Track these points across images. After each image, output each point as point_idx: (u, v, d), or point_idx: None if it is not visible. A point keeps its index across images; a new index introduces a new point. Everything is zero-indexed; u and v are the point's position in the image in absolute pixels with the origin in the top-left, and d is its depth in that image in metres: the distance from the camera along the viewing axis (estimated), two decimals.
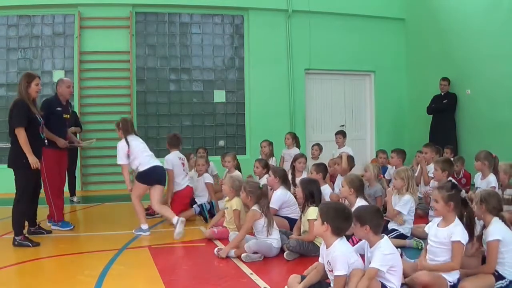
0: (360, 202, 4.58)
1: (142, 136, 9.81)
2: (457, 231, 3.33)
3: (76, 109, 9.26)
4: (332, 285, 3.13)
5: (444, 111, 9.27)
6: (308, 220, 4.58)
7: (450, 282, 3.32)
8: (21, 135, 4.99)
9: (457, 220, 3.42)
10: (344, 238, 3.20)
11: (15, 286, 3.98)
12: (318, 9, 10.48)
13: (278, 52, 10.42)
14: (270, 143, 8.07)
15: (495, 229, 3.45)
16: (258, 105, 10.32)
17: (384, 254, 3.08)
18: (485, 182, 5.80)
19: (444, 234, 3.39)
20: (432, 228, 3.55)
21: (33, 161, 4.98)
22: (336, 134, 8.59)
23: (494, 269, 3.44)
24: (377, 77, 11.21)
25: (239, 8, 10.34)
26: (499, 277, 3.44)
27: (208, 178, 6.76)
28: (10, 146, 5.21)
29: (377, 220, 3.22)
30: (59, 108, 5.98)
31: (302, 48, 10.49)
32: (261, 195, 4.72)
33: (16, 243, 5.01)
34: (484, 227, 3.59)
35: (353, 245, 4.38)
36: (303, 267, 4.15)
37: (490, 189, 3.76)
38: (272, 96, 10.35)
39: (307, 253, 4.47)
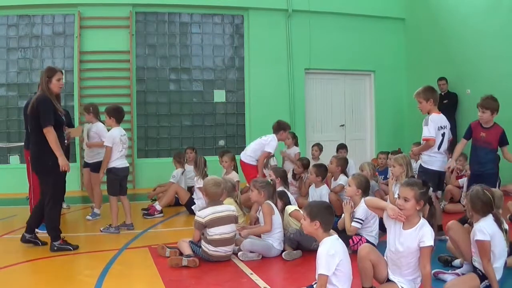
0: (364, 203, 4.59)
1: (142, 136, 9.95)
2: (427, 234, 3.10)
3: (76, 109, 9.28)
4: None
5: (446, 111, 9.26)
6: (290, 214, 4.85)
7: None
8: (51, 134, 4.64)
9: (423, 220, 3.18)
10: (336, 236, 3.16)
11: (15, 286, 3.97)
12: (318, 9, 10.48)
13: (278, 52, 10.42)
14: None
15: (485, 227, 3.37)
16: (258, 105, 10.32)
17: (328, 254, 2.98)
18: None
19: (412, 237, 3.14)
20: (396, 232, 3.23)
21: (63, 162, 4.69)
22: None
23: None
24: (377, 77, 11.21)
25: (239, 8, 10.34)
26: (483, 277, 3.36)
27: (201, 183, 6.69)
28: (30, 147, 4.95)
29: (327, 216, 3.16)
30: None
31: (302, 48, 10.49)
32: (273, 190, 4.79)
33: (55, 248, 4.80)
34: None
35: (353, 245, 4.42)
36: (303, 267, 4.18)
37: (478, 190, 3.58)
38: (272, 96, 10.35)
39: (307, 241, 4.47)
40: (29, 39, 9.52)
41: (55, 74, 4.86)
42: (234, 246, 4.52)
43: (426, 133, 5.00)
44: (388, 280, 3.26)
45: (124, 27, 9.65)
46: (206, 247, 4.34)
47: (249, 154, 6.93)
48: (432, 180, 4.85)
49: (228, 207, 4.57)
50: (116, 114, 5.73)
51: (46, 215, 4.87)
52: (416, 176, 4.96)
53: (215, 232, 4.33)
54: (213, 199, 4.54)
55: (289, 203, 5.21)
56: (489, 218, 3.43)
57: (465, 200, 3.57)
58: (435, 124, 5.03)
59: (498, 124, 4.99)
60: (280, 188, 5.46)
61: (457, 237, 3.74)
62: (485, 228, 3.36)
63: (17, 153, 9.24)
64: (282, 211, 4.92)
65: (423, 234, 3.11)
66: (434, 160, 4.99)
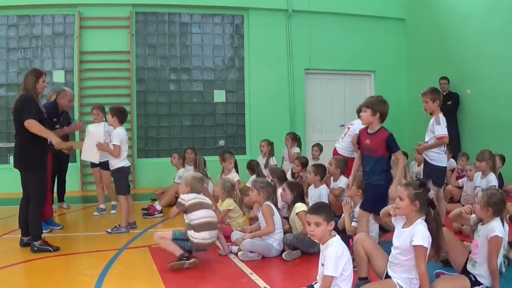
0: None
1: (142, 136, 9.95)
2: (418, 233, 3.10)
3: (76, 109, 9.28)
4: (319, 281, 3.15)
5: (448, 112, 9.28)
6: (297, 214, 4.79)
7: None
8: (34, 124, 4.70)
9: (420, 220, 3.19)
10: (338, 236, 3.18)
11: (15, 286, 3.98)
12: (318, 9, 10.48)
13: (278, 52, 10.43)
14: (269, 143, 8.07)
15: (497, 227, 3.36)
16: (258, 105, 10.32)
17: (337, 256, 3.01)
18: (485, 181, 5.82)
19: (406, 235, 3.18)
20: (397, 229, 3.31)
21: (57, 141, 4.80)
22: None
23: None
24: (377, 77, 11.21)
25: (239, 8, 10.34)
26: (475, 283, 3.31)
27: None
28: (14, 146, 4.97)
29: (334, 216, 3.23)
30: (55, 119, 6.02)
31: (302, 48, 10.49)
32: (272, 191, 4.78)
33: (35, 248, 4.77)
34: (481, 223, 3.50)
35: (352, 245, 4.41)
36: (303, 267, 4.18)
37: (494, 191, 3.54)
38: (272, 96, 10.35)
39: (304, 247, 4.49)
40: (29, 39, 9.52)
41: (42, 75, 4.95)
42: (217, 232, 4.49)
43: (440, 131, 5.08)
44: (387, 276, 3.30)
45: (124, 27, 9.65)
46: (192, 235, 4.30)
47: (345, 147, 6.93)
48: (441, 176, 5.23)
49: (206, 198, 4.63)
50: (119, 115, 5.78)
51: (30, 213, 4.86)
52: (421, 175, 5.04)
53: (197, 216, 4.32)
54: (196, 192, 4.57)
55: (301, 198, 5.08)
56: (499, 219, 3.42)
57: (479, 203, 3.46)
58: (444, 123, 5.13)
59: (386, 129, 4.30)
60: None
61: (448, 245, 3.60)
62: (501, 227, 3.36)
63: None
64: (292, 204, 4.87)
65: (414, 233, 3.13)
66: (442, 158, 5.19)
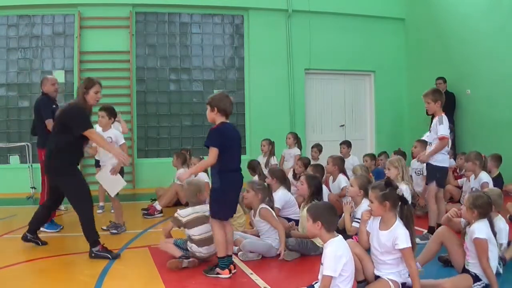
0: (366, 203, 4.59)
1: (142, 136, 9.95)
2: (401, 236, 3.13)
3: None
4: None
5: (444, 112, 9.25)
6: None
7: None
8: (94, 135, 4.62)
9: (398, 222, 3.21)
10: (341, 236, 3.19)
11: (16, 285, 3.97)
12: (318, 9, 10.49)
13: (278, 52, 10.43)
14: (270, 142, 8.08)
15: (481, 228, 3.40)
16: (258, 105, 10.32)
17: (335, 256, 3.01)
18: (477, 181, 5.84)
19: (386, 238, 3.20)
20: (374, 231, 3.33)
21: (119, 154, 4.78)
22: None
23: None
24: (377, 77, 11.22)
25: (239, 8, 10.34)
26: (476, 278, 3.38)
27: (204, 178, 6.67)
28: (45, 152, 4.76)
29: (330, 217, 3.19)
30: (54, 106, 5.99)
31: (302, 48, 10.49)
32: (268, 194, 4.77)
33: (93, 254, 4.53)
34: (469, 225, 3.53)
35: None
36: (303, 267, 4.18)
37: (481, 193, 3.60)
38: (272, 96, 10.36)
39: (306, 252, 4.50)
40: (29, 39, 9.52)
41: (93, 86, 4.68)
42: (214, 246, 4.31)
43: (443, 131, 5.00)
44: (376, 277, 3.33)
45: (124, 27, 9.66)
46: (192, 248, 4.30)
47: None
48: (444, 177, 5.24)
49: (206, 207, 4.38)
50: (113, 114, 5.82)
51: (80, 220, 4.60)
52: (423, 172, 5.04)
53: (199, 232, 4.27)
54: (197, 201, 4.47)
55: (319, 192, 4.89)
56: (486, 221, 3.46)
57: (465, 204, 3.52)
58: (447, 123, 5.11)
59: (222, 124, 4.04)
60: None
61: (449, 244, 3.68)
62: (484, 228, 3.39)
63: (17, 153, 9.25)
64: (309, 199, 4.73)
65: (397, 237, 3.15)
66: (446, 159, 5.16)
